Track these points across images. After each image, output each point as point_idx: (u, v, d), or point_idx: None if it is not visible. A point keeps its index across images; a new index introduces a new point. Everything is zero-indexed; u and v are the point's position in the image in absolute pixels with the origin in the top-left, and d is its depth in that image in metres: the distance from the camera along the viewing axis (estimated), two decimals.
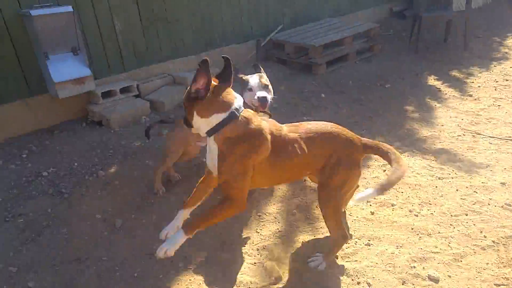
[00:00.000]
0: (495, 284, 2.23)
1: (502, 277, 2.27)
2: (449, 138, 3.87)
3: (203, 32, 5.46)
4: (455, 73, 5.62)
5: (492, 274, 2.29)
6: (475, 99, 4.70)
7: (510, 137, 3.76)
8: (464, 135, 3.90)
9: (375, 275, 2.32)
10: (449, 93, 4.96)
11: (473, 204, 2.89)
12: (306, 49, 5.88)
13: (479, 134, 3.88)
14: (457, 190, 3.06)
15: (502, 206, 2.83)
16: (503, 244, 2.51)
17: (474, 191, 3.03)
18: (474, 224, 2.69)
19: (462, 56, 6.26)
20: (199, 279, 2.37)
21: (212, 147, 1.97)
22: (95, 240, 2.72)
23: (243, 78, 2.79)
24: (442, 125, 4.14)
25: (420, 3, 6.68)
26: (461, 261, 2.40)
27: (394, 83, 5.42)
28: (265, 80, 2.78)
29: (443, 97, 4.87)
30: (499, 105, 4.47)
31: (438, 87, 5.19)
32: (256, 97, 2.67)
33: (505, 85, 4.98)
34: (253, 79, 2.76)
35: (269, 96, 2.72)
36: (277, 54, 6.18)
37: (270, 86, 2.81)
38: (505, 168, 3.29)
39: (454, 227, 2.68)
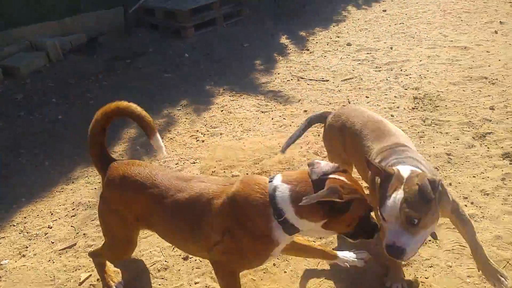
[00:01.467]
0: None
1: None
2: (280, 82, 4.82)
3: None
4: (302, 33, 6.63)
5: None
6: (310, 52, 5.74)
7: (323, 79, 4.81)
8: (291, 79, 4.87)
9: None
10: (292, 49, 5.94)
11: (280, 126, 3.83)
12: (176, 14, 6.39)
13: (302, 78, 4.88)
14: (272, 118, 3.98)
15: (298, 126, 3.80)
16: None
17: (284, 118, 3.97)
18: (275, 140, 3.62)
19: (313, 19, 7.33)
20: None
21: None
22: None
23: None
24: (278, 73, 5.08)
25: None
26: (258, 163, 3.29)
27: (252, 43, 6.26)
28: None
29: (287, 52, 5.84)
30: (325, 56, 5.54)
31: (286, 44, 6.14)
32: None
33: (336, 41, 6.11)
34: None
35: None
36: (148, 20, 6.60)
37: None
38: (311, 101, 4.29)
39: (262, 143, 3.58)
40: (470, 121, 3.55)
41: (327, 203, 1.44)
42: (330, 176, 1.52)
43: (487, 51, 5.09)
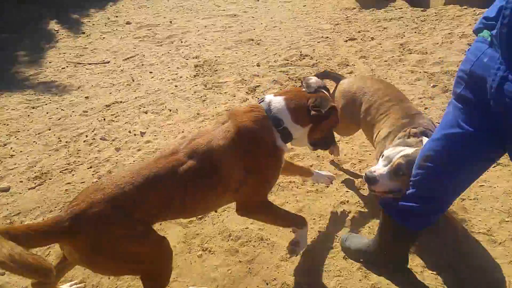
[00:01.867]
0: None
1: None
2: (54, 72, 4.29)
3: None
4: (76, 15, 6.03)
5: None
6: (87, 36, 5.29)
7: (103, 61, 4.51)
8: (67, 66, 4.40)
9: None
10: (65, 34, 5.35)
11: (58, 119, 3.42)
12: None
13: (80, 63, 4.46)
14: (47, 113, 3.52)
15: (80, 114, 3.48)
16: (74, 141, 3.14)
17: (62, 109, 3.56)
18: (54, 135, 3.21)
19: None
20: None
21: None
22: None
23: None
24: (50, 62, 4.51)
25: None
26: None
27: (16, 30, 5.34)
28: None
29: (58, 38, 5.22)
30: (103, 37, 5.20)
31: (57, 29, 5.48)
32: None
33: (114, 21, 5.79)
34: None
35: None
36: None
37: None
38: (92, 85, 3.97)
39: (36, 143, 3.12)
40: (242, 79, 3.91)
41: (316, 111, 1.68)
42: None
43: (252, 17, 5.68)
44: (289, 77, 3.79)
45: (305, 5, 5.92)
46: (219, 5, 6.28)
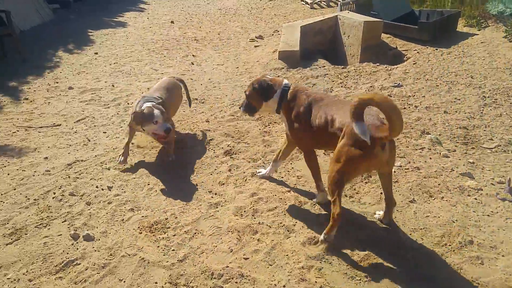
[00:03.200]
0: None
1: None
2: (5, 136, 4.39)
3: None
4: (13, 83, 6.13)
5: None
6: (30, 101, 5.43)
7: (54, 124, 4.72)
8: (18, 131, 4.52)
9: None
10: (7, 101, 5.43)
11: (21, 179, 3.56)
12: None
13: (31, 127, 4.62)
14: (8, 174, 3.64)
15: (43, 173, 3.66)
16: (42, 198, 3.32)
17: (23, 170, 3.71)
18: (21, 193, 3.36)
19: (21, 67, 6.85)
20: None
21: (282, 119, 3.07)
22: None
23: (141, 111, 3.56)
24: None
25: None
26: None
27: None
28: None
29: (1, 104, 5.29)
30: (49, 102, 5.40)
31: None
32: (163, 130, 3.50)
33: (56, 86, 6.01)
34: (156, 111, 3.52)
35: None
36: None
37: None
38: (49, 147, 4.17)
39: (3, 202, 3.24)
40: (195, 134, 4.43)
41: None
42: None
43: (191, 79, 6.33)
44: (238, 130, 4.42)
45: (237, 67, 6.76)
46: (157, 69, 6.85)
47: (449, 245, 2.66)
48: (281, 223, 2.94)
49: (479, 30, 7.05)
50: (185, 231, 2.91)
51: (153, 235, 2.87)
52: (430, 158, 3.67)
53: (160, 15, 11.80)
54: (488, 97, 4.77)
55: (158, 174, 3.65)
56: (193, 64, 7.10)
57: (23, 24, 9.33)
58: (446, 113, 4.50)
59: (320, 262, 2.55)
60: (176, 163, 3.83)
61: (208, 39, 8.87)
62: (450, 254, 2.59)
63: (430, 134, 4.06)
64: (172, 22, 10.56)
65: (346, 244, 2.69)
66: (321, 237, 2.68)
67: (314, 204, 3.13)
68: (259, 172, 3.58)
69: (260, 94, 3.04)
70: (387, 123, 2.26)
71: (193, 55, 7.61)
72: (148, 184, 3.51)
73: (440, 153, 3.73)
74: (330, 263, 2.54)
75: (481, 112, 4.44)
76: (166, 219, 3.05)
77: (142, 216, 3.08)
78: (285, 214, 3.03)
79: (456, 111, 4.52)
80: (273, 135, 4.28)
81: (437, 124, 4.28)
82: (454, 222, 2.87)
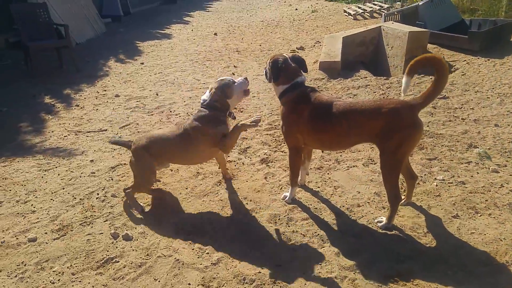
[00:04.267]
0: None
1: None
2: (58, 139, 4.69)
3: None
4: (67, 90, 6.57)
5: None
6: (81, 108, 5.78)
7: (101, 129, 4.98)
8: (69, 135, 4.82)
9: None
10: (61, 107, 5.82)
11: (69, 180, 3.78)
12: None
13: (80, 131, 4.90)
14: (58, 174, 3.88)
15: (89, 175, 3.87)
16: (87, 198, 3.50)
17: (72, 171, 3.93)
18: (69, 193, 3.56)
19: (75, 77, 7.32)
20: None
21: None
22: None
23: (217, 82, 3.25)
24: (53, 131, 4.91)
25: (25, 33, 7.20)
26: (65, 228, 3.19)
27: (11, 106, 5.74)
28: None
29: (56, 110, 5.67)
30: (97, 109, 5.71)
31: (53, 103, 5.95)
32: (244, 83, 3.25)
33: (104, 94, 6.36)
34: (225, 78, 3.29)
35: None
36: None
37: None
38: (95, 150, 4.40)
39: (53, 200, 3.45)
40: None
41: None
42: None
43: None
44: (275, 139, 4.43)
45: None
46: (199, 79, 7.05)
47: (495, 264, 2.49)
48: (315, 232, 2.90)
49: None
50: (220, 236, 2.94)
51: (189, 238, 2.93)
52: (477, 173, 3.47)
53: (204, 27, 12.21)
54: None
55: (194, 179, 3.73)
56: (234, 74, 7.24)
57: (79, 37, 10.00)
58: (497, 126, 4.26)
59: (354, 273, 2.48)
60: (212, 169, 3.90)
61: (250, 50, 9.03)
62: (495, 274, 2.42)
63: (478, 147, 3.85)
64: (215, 34, 10.88)
65: (382, 257, 2.60)
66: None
67: (350, 215, 3.06)
68: (284, 197, 3.32)
69: (270, 72, 2.99)
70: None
71: (234, 66, 7.77)
72: (187, 189, 3.60)
73: (489, 168, 3.52)
74: (364, 275, 2.46)
75: None
76: (201, 223, 3.10)
77: (179, 219, 3.16)
78: (319, 224, 2.98)
79: (508, 125, 4.26)
80: None
81: (487, 137, 4.05)
82: (501, 240, 2.69)
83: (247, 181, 3.68)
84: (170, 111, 5.54)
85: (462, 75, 5.86)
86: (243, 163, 3.99)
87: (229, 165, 3.95)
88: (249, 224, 3.05)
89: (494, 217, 2.92)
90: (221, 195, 3.45)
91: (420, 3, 8.06)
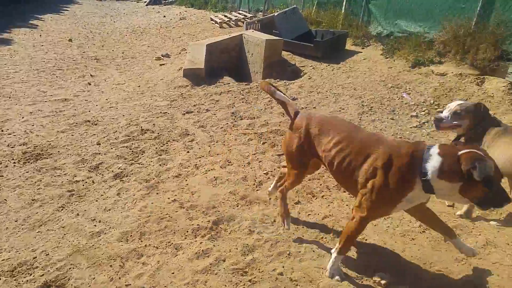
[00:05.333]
0: None
1: None
2: None
3: None
4: None
5: None
6: None
7: None
8: None
9: None
10: None
11: None
12: None
13: None
14: None
15: None
16: None
17: None
18: None
19: None
20: None
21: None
22: None
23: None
24: None
25: None
26: None
27: None
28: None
29: None
30: None
31: None
32: None
33: None
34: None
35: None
36: None
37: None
38: None
39: None
40: (83, 158, 4.03)
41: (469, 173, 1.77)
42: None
43: (85, 100, 5.88)
44: (132, 151, 4.13)
45: (139, 86, 6.47)
46: (45, 91, 6.24)
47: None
48: (169, 242, 2.75)
49: (363, 48, 7.69)
50: (56, 268, 2.55)
51: (15, 278, 2.47)
52: None
53: (56, 32, 11.03)
54: (366, 105, 5.16)
55: (32, 209, 3.21)
56: (89, 84, 6.65)
57: None
58: None
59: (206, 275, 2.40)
60: (52, 194, 3.42)
61: (110, 58, 8.45)
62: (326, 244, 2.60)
63: None
64: (70, 40, 9.89)
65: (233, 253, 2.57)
66: None
67: None
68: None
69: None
70: None
71: (91, 75, 7.15)
72: (16, 221, 3.06)
73: None
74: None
75: (360, 119, 4.80)
76: (34, 258, 2.65)
77: (3, 259, 2.65)
78: (174, 233, 2.84)
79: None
80: (170, 153, 4.09)
81: None
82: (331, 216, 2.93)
83: (96, 201, 3.32)
84: (1, 130, 4.71)
85: (308, 78, 6.43)
86: (93, 182, 3.60)
87: (76, 185, 3.51)
88: (96, 248, 2.72)
89: (326, 198, 3.21)
90: (63, 222, 3.03)
91: (275, 14, 8.63)
